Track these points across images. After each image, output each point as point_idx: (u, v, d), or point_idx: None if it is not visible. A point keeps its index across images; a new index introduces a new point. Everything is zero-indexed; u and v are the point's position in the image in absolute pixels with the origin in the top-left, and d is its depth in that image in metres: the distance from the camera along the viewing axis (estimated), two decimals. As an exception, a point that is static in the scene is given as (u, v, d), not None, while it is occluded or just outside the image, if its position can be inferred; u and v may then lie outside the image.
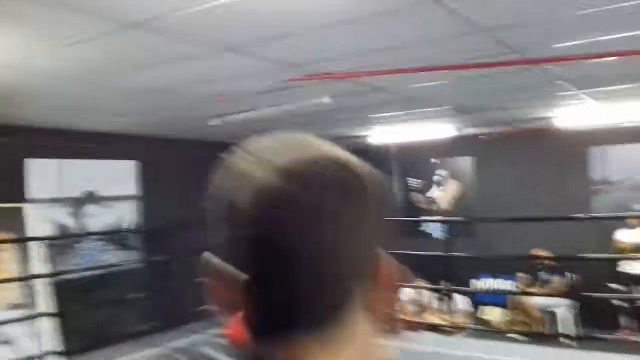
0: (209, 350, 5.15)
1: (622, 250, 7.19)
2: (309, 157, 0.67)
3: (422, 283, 7.97)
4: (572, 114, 6.30)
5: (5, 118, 5.36)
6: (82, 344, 5.27)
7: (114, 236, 6.99)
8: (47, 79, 3.80)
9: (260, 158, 0.66)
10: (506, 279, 8.72)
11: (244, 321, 0.64)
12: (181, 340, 5.47)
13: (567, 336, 7.31)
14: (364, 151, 6.94)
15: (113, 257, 6.76)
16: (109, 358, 5.10)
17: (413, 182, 9.79)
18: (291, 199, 0.62)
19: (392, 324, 0.70)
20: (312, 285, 0.62)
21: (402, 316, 6.81)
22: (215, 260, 0.68)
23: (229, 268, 0.65)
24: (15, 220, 5.79)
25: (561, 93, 5.24)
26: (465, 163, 9.28)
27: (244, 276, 0.63)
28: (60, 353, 5.31)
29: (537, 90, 5.10)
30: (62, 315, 5.46)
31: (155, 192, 7.29)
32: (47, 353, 5.41)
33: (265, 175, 0.64)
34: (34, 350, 5.42)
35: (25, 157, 6.04)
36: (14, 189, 5.87)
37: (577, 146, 7.98)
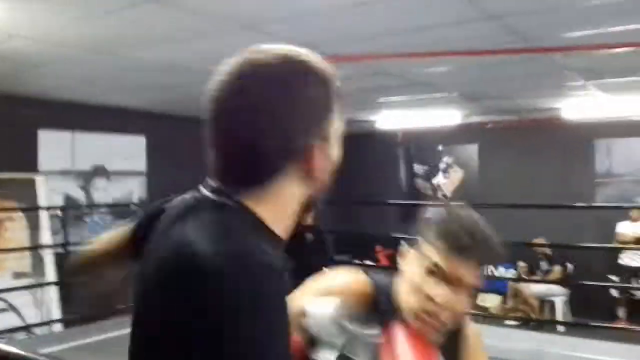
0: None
1: (624, 243, 7.25)
2: (260, 57, 0.88)
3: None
4: (579, 105, 6.33)
5: (19, 89, 5.45)
6: (85, 314, 5.40)
7: (122, 210, 7.10)
8: (63, 50, 3.88)
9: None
10: (506, 267, 8.81)
11: None
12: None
13: (564, 323, 7.41)
14: (371, 136, 7.11)
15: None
16: (111, 328, 5.22)
17: (419, 168, 9.86)
18: (239, 90, 0.85)
19: (322, 189, 0.94)
20: (245, 156, 0.83)
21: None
22: None
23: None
24: (26, 190, 5.91)
25: (569, 83, 5.28)
26: (470, 151, 9.34)
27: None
28: (62, 321, 5.44)
29: (544, 79, 5.14)
30: (66, 285, 5.57)
31: (163, 168, 7.38)
32: (51, 321, 5.56)
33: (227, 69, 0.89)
34: (37, 319, 5.58)
35: (38, 129, 6.15)
36: (26, 160, 5.99)
37: (583, 138, 8.01)
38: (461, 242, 1.18)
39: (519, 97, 6.12)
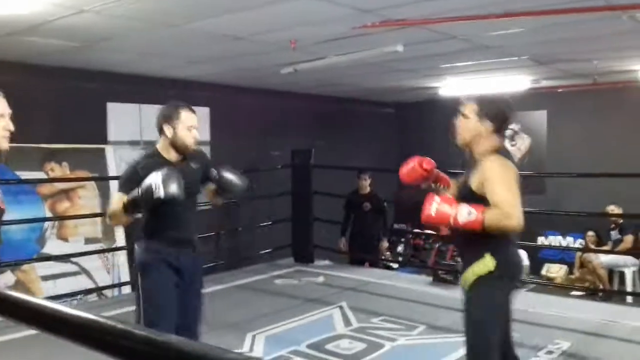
0: (270, 288, 5.38)
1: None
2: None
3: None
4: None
5: (88, 62, 5.63)
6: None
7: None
8: (130, 23, 3.96)
9: None
10: (576, 237, 8.54)
11: None
12: (243, 280, 5.73)
13: (634, 294, 7.13)
14: (434, 103, 7.01)
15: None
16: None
17: (483, 136, 9.58)
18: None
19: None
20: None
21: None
22: None
23: None
24: (97, 160, 6.16)
25: (649, 44, 4.96)
26: (538, 117, 8.99)
27: None
28: (129, 284, 5.69)
29: (622, 40, 4.84)
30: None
31: (225, 137, 7.52)
32: (121, 284, 5.84)
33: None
34: (108, 282, 5.87)
35: (107, 101, 6.36)
36: (97, 131, 6.22)
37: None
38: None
39: (594, 59, 5.79)
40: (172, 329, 2.63)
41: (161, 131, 2.72)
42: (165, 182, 2.45)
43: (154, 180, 2.46)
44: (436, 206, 2.25)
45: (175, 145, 2.71)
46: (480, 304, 2.30)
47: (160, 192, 2.44)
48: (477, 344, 2.31)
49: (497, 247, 2.26)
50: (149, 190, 2.46)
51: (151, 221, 2.75)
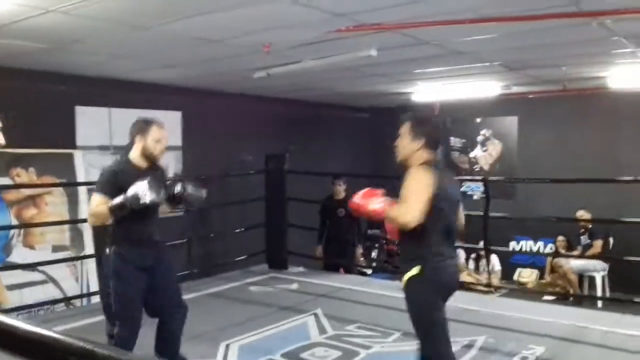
0: (243, 296, 5.30)
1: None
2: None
3: (456, 242, 7.98)
4: (628, 73, 6.05)
5: (56, 65, 5.49)
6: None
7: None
8: (99, 24, 3.86)
9: None
10: (546, 242, 8.65)
11: None
12: (217, 287, 5.64)
13: (604, 299, 7.25)
14: (406, 109, 7.03)
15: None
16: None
17: (455, 141, 9.67)
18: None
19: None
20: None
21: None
22: None
23: None
24: (65, 165, 5.99)
25: (618, 51, 5.04)
26: (509, 123, 9.10)
27: None
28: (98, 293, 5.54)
29: (592, 47, 4.91)
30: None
31: (197, 142, 7.42)
32: (90, 293, 5.68)
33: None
34: (77, 291, 5.71)
35: (75, 105, 6.20)
36: (65, 135, 6.06)
37: (630, 108, 7.70)
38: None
39: (564, 66, 5.87)
40: (138, 323, 3.21)
41: (133, 142, 3.23)
42: (150, 189, 2.92)
43: (141, 187, 2.91)
44: (360, 196, 2.80)
45: (145, 154, 3.20)
46: (415, 301, 2.69)
47: (146, 198, 2.90)
48: (425, 333, 2.72)
49: (425, 255, 2.64)
50: (136, 196, 2.90)
51: (121, 225, 3.13)
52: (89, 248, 5.96)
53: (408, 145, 2.77)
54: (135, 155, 3.21)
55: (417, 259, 2.63)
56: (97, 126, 6.41)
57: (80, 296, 5.69)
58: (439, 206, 2.60)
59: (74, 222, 5.85)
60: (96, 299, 5.52)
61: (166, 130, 3.27)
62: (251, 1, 3.37)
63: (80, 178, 5.98)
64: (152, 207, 3.07)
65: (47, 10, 3.47)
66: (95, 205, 3.07)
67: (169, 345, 3.25)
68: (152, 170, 3.20)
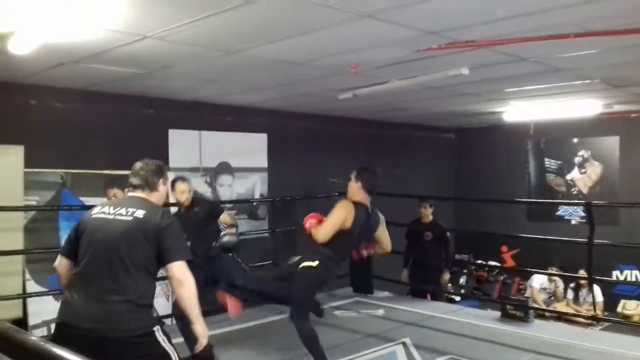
0: (328, 320, 5.19)
1: None
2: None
3: (555, 270, 7.49)
4: None
5: (150, 89, 5.70)
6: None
7: (245, 206, 7.25)
8: (189, 49, 3.95)
9: None
10: (652, 271, 7.97)
11: None
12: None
13: None
14: (497, 129, 6.71)
15: (245, 226, 7.00)
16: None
17: (551, 163, 9.17)
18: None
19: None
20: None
21: (532, 304, 6.40)
22: None
23: None
24: (158, 186, 6.18)
25: None
26: (610, 143, 8.51)
27: None
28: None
29: None
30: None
31: (282, 164, 7.47)
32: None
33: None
34: (167, 309, 5.80)
35: (169, 128, 6.43)
36: (158, 157, 6.20)
37: None
38: None
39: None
40: None
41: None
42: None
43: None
44: (306, 217, 3.83)
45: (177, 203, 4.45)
46: (302, 280, 3.72)
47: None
48: (298, 302, 3.74)
49: (323, 257, 3.69)
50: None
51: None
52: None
53: (352, 185, 3.78)
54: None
55: (318, 257, 3.68)
56: (188, 148, 6.61)
57: (170, 315, 5.78)
58: (350, 230, 3.64)
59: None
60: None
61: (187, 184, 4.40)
62: (341, 21, 3.32)
63: (172, 199, 6.13)
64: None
65: (145, 36, 3.59)
66: None
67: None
68: (190, 211, 4.30)
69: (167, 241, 2.52)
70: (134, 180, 2.74)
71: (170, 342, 2.55)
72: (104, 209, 2.64)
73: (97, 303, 2.44)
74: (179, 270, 2.51)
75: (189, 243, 3.84)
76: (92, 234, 2.56)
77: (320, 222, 3.72)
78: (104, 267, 2.48)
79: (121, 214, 2.57)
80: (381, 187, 3.92)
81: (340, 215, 3.62)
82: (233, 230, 4.47)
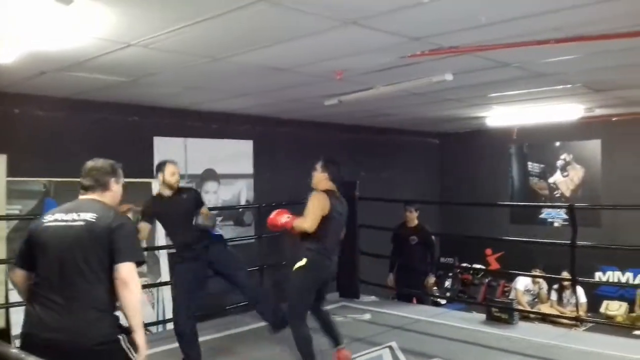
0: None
1: None
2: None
3: (538, 272, 7.57)
4: None
5: (135, 97, 5.68)
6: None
7: (231, 212, 7.24)
8: (174, 56, 3.94)
9: None
10: (636, 272, 8.08)
11: None
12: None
13: None
14: (480, 133, 6.78)
15: (231, 232, 7.00)
16: (222, 326, 5.30)
17: (533, 166, 9.29)
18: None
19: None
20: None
21: (517, 306, 6.46)
22: None
23: None
24: (143, 194, 6.14)
25: None
26: (592, 147, 8.64)
27: None
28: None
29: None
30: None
31: (268, 170, 7.47)
32: (165, 320, 5.74)
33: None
34: (152, 317, 5.78)
35: (154, 135, 6.40)
36: (144, 165, 6.24)
37: None
38: None
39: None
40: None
41: (157, 177, 4.30)
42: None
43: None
44: (273, 214, 3.92)
45: (166, 184, 4.23)
46: (295, 281, 3.88)
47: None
48: (294, 304, 3.90)
49: (310, 252, 3.81)
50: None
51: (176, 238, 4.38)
52: (165, 275, 6.06)
53: (318, 175, 4.01)
54: (160, 187, 4.29)
55: (305, 254, 3.82)
56: (173, 156, 6.53)
57: (156, 323, 5.76)
58: (330, 217, 3.80)
59: (153, 249, 5.98)
60: (171, 326, 5.59)
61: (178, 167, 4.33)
62: (327, 28, 3.34)
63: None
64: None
65: (129, 44, 3.58)
66: (141, 230, 4.11)
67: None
68: (177, 196, 4.23)
69: (117, 242, 2.46)
70: (85, 182, 2.67)
71: (136, 351, 2.47)
72: (55, 216, 2.57)
73: (58, 313, 2.38)
74: (126, 271, 2.43)
75: (180, 229, 4.23)
76: (45, 244, 2.48)
77: (292, 216, 3.84)
78: (61, 275, 2.41)
79: (73, 219, 2.51)
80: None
81: (319, 205, 3.77)
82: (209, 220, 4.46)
